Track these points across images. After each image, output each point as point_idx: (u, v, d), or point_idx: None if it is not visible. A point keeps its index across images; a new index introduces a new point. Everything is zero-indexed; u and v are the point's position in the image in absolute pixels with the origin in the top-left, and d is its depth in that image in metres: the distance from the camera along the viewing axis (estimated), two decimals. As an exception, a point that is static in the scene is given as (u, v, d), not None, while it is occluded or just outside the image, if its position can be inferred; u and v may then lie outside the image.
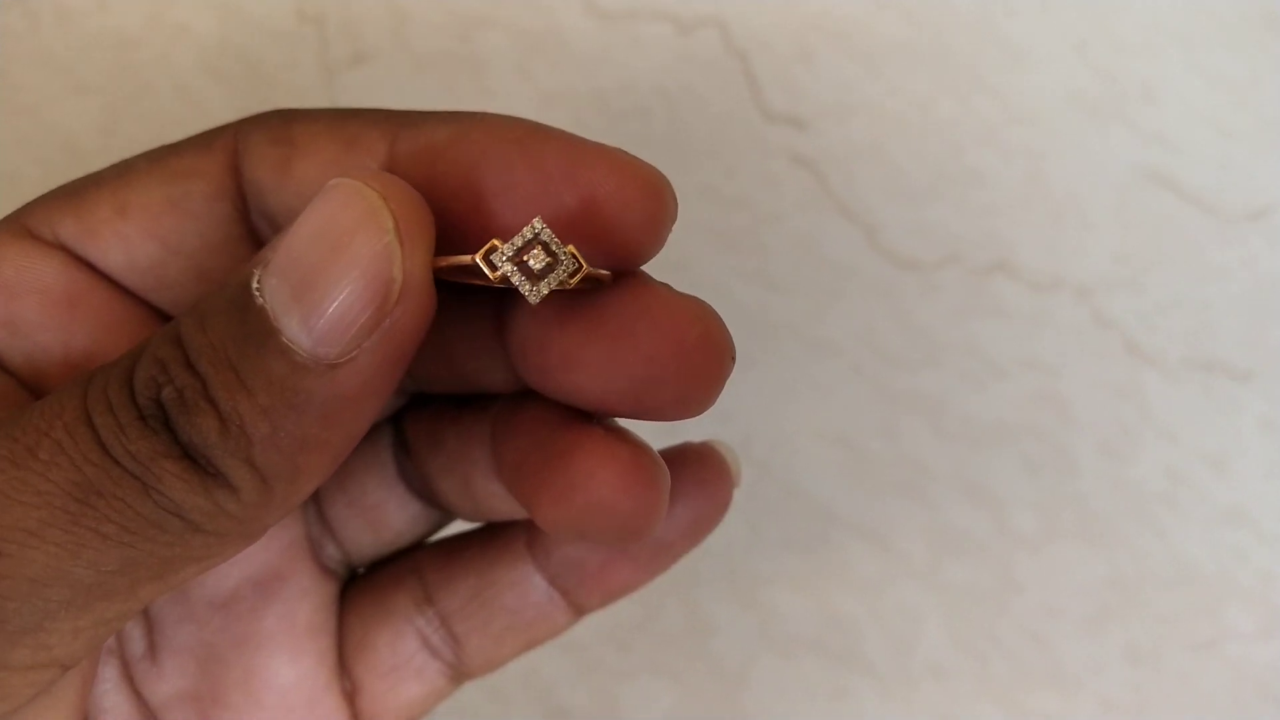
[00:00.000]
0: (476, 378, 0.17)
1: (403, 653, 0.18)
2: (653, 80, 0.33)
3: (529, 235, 0.14)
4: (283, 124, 0.15)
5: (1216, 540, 0.31)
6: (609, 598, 0.18)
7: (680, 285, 0.33)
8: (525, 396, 0.17)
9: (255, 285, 0.13)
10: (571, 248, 0.14)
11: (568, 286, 0.14)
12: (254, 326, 0.13)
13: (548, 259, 0.14)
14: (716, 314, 0.15)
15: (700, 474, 0.18)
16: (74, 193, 0.15)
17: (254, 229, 0.16)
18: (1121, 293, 0.32)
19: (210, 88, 0.32)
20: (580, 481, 0.15)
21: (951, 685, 0.30)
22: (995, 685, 0.30)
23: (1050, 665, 0.30)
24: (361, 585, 0.19)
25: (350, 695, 0.18)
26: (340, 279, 0.12)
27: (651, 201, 0.15)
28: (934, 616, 0.30)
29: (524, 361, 0.16)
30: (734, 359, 0.16)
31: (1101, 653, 0.30)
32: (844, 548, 0.30)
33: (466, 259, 0.14)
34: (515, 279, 0.14)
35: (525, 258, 0.14)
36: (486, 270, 0.13)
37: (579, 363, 0.15)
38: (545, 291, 0.14)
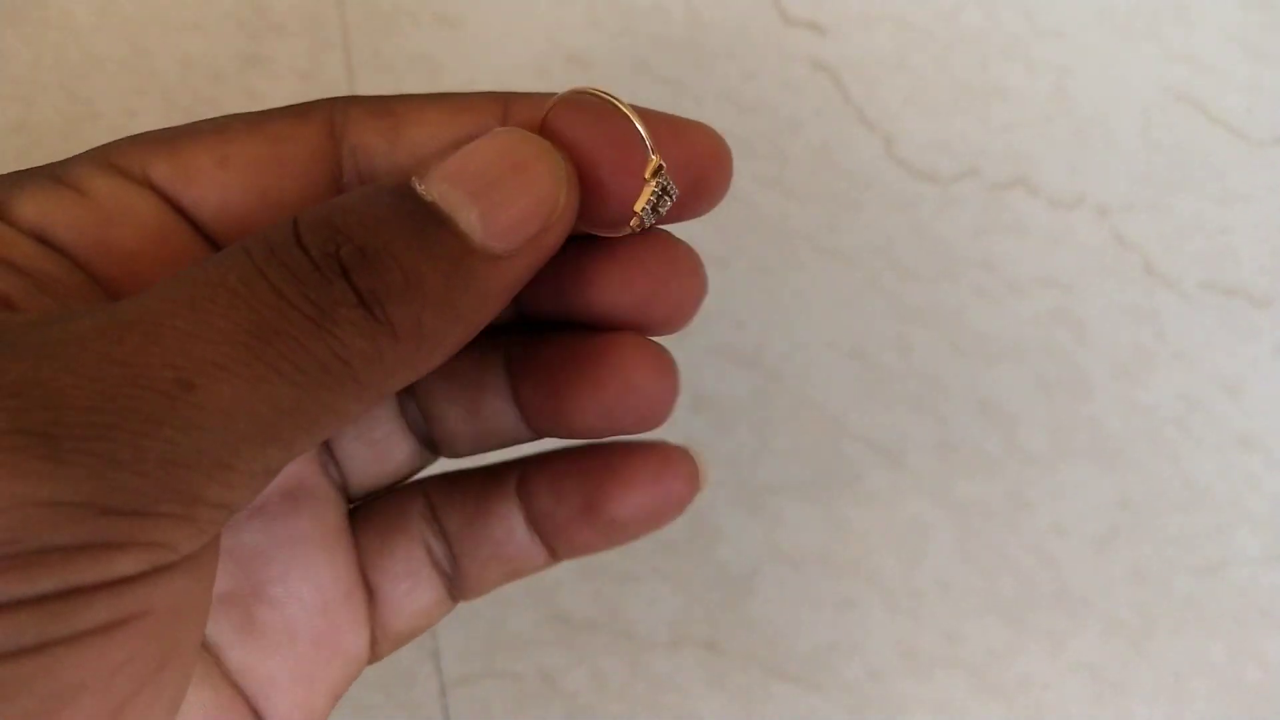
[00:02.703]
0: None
1: (416, 560, 0.20)
2: (671, -22, 0.32)
3: (663, 182, 0.17)
4: (380, 101, 0.17)
5: (1228, 465, 0.30)
6: (575, 552, 0.20)
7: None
8: (542, 326, 0.19)
9: (420, 187, 0.15)
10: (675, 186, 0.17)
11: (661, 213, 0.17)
12: (423, 215, 0.15)
13: (664, 193, 0.17)
14: (697, 254, 0.19)
15: (667, 469, 0.19)
16: (168, 140, 0.16)
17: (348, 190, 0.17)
18: (1143, 213, 0.32)
19: (211, -29, 0.31)
20: (620, 366, 0.18)
21: (958, 600, 0.29)
22: (1001, 601, 0.29)
23: (1057, 584, 0.30)
24: (373, 505, 0.20)
25: (370, 602, 0.20)
26: (522, 193, 0.15)
27: (722, 166, 0.18)
28: (943, 531, 0.29)
29: (544, 295, 0.19)
30: (706, 291, 0.19)
31: (1108, 573, 0.30)
32: (854, 460, 0.30)
33: (656, 158, 0.17)
34: (646, 213, 0.17)
35: (666, 190, 0.17)
36: (652, 180, 0.17)
37: (596, 281, 0.18)
38: (653, 218, 0.17)
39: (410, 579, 0.20)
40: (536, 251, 0.16)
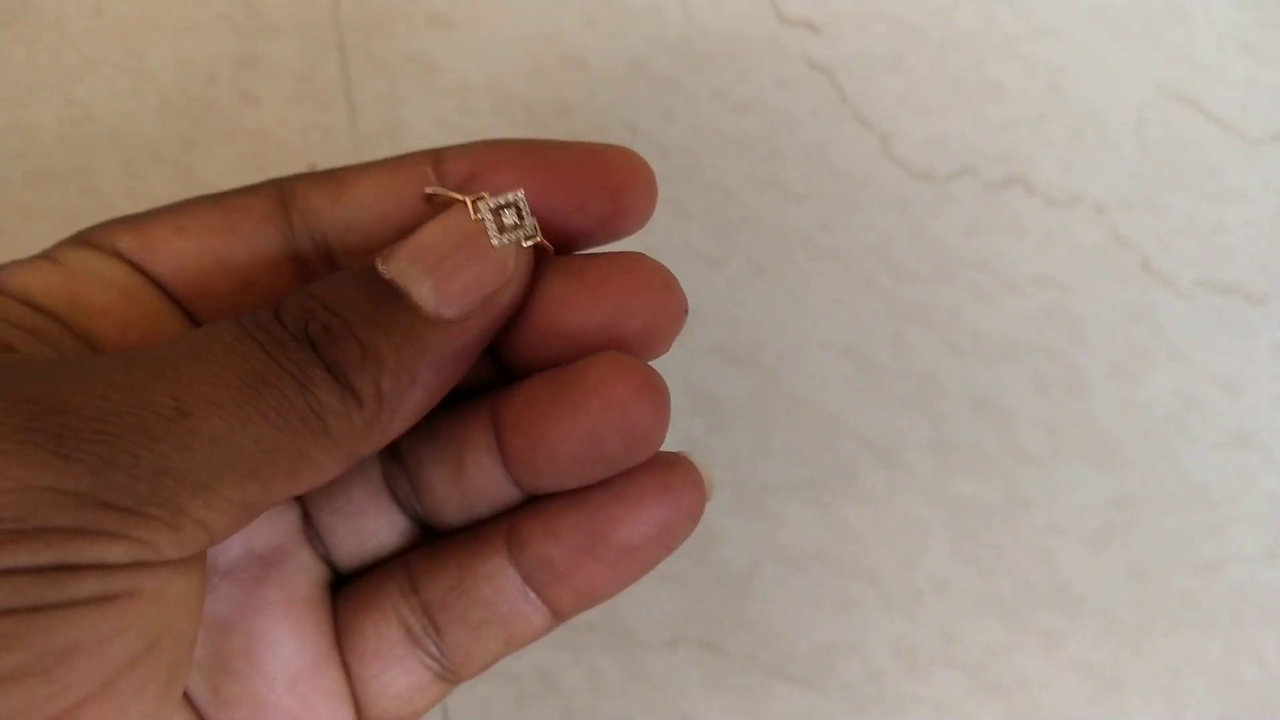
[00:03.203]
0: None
1: (387, 638, 0.19)
2: (666, -22, 0.32)
3: (510, 198, 0.18)
4: (325, 172, 0.19)
5: (1225, 463, 0.30)
6: (580, 600, 0.19)
7: (692, 190, 0.32)
8: (526, 374, 0.19)
9: (382, 267, 0.17)
10: (534, 219, 0.18)
11: (521, 245, 0.18)
12: (383, 292, 0.17)
13: (516, 220, 0.18)
14: (671, 274, 0.19)
15: (668, 480, 0.18)
16: (134, 219, 0.19)
17: (296, 251, 0.19)
18: (1139, 212, 0.32)
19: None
20: (596, 384, 0.17)
21: (955, 599, 0.29)
22: (999, 601, 0.29)
23: (1054, 582, 0.30)
24: (354, 581, 0.20)
25: (348, 680, 0.19)
26: (472, 261, 0.17)
27: (645, 189, 0.19)
28: (940, 531, 0.30)
29: (518, 334, 0.19)
30: (686, 310, 0.19)
31: (1106, 571, 0.30)
32: (851, 459, 0.30)
33: (460, 196, 0.18)
34: (488, 222, 0.17)
35: (501, 213, 0.17)
36: (470, 209, 0.17)
37: (564, 306, 0.18)
38: (505, 240, 0.17)
39: (382, 659, 0.19)
40: (490, 311, 0.17)
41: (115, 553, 0.14)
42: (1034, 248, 0.31)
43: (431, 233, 0.17)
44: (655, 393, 0.18)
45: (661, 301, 0.18)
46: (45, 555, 0.14)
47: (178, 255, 0.18)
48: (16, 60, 0.30)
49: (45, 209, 0.30)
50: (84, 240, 0.18)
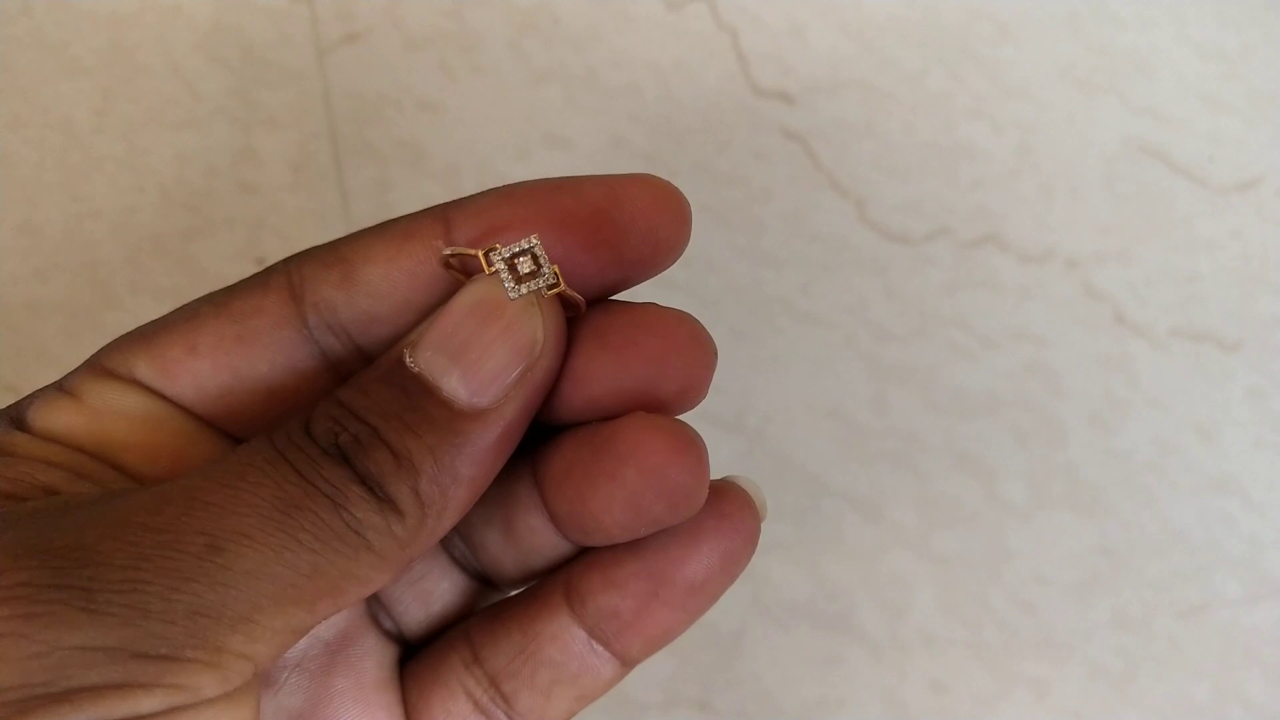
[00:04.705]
0: None
1: (456, 714, 0.19)
2: (644, 56, 0.33)
3: (524, 245, 0.16)
4: (330, 249, 0.18)
5: (1205, 508, 0.31)
6: (650, 644, 0.18)
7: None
8: (562, 428, 0.18)
9: (409, 359, 0.16)
10: (555, 266, 0.17)
11: (543, 295, 0.17)
12: (413, 387, 0.16)
13: (533, 268, 0.16)
14: (695, 318, 0.18)
15: (722, 508, 0.18)
16: (145, 336, 0.18)
17: (321, 347, 0.18)
18: (1111, 264, 0.33)
19: (203, 68, 0.32)
20: (630, 451, 0.17)
21: (943, 652, 0.30)
22: (986, 652, 0.30)
23: (1040, 632, 0.30)
24: (419, 654, 0.20)
25: None
26: (494, 344, 0.16)
27: (673, 216, 0.18)
28: (925, 585, 0.30)
29: (549, 403, 0.18)
30: (716, 354, 0.18)
31: (1091, 620, 0.30)
32: (836, 518, 0.30)
33: (472, 251, 0.17)
34: (503, 275, 0.16)
35: (516, 262, 0.16)
36: (484, 263, 0.16)
37: (592, 377, 0.17)
38: (523, 291, 0.16)
39: None
40: (527, 392, 0.16)
41: (149, 703, 0.14)
42: (1010, 304, 0.32)
43: (453, 314, 0.16)
44: (691, 451, 0.17)
45: (693, 359, 0.17)
46: (75, 717, 0.13)
47: (195, 377, 0.18)
48: (27, 162, 0.32)
49: (54, 303, 0.31)
50: (101, 369, 0.18)
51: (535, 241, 0.17)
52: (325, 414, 0.16)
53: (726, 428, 0.31)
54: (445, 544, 0.20)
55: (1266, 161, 0.33)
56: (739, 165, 0.32)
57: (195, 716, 0.14)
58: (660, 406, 0.17)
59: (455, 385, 0.16)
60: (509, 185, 0.18)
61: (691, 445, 0.17)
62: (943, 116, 0.33)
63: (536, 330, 0.16)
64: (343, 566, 0.15)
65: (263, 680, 0.18)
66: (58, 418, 0.17)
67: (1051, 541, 0.31)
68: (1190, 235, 0.33)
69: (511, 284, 0.16)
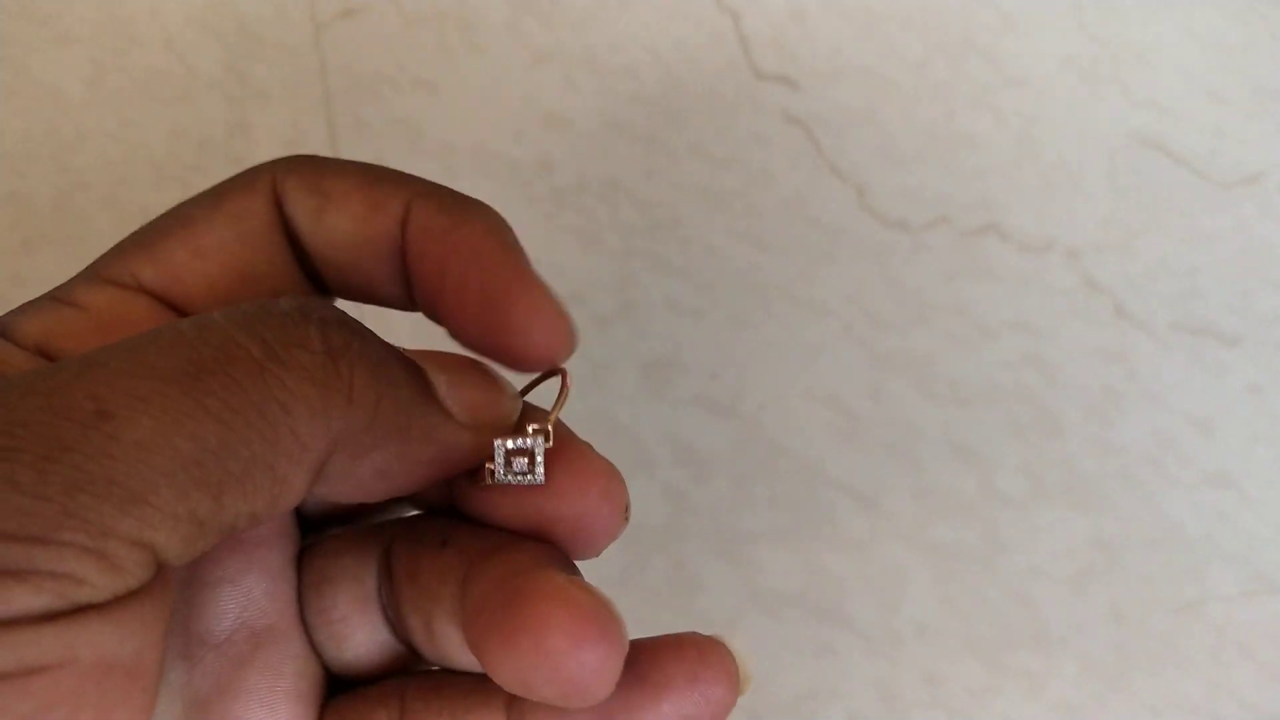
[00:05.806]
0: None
1: None
2: (644, 38, 0.33)
3: (528, 444, 0.17)
4: (315, 174, 0.18)
5: (1201, 503, 0.31)
6: None
7: (672, 244, 0.33)
8: (499, 544, 0.17)
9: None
10: (544, 467, 0.17)
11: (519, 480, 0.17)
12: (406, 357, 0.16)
13: (526, 469, 0.17)
14: (619, 474, 0.18)
15: (699, 670, 0.16)
16: (142, 244, 0.17)
17: (298, 252, 0.18)
18: (1111, 256, 0.32)
19: (197, 41, 0.32)
20: (531, 625, 0.14)
21: (936, 643, 0.30)
22: (979, 643, 0.30)
23: (1034, 625, 0.30)
24: (349, 695, 0.18)
25: None
26: (484, 385, 0.17)
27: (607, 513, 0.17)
28: (920, 575, 0.30)
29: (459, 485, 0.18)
30: (628, 516, 0.17)
31: (1085, 613, 0.30)
32: (831, 506, 0.30)
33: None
34: (498, 458, 0.17)
35: (512, 461, 0.17)
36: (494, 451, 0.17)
37: (506, 517, 0.17)
38: (508, 480, 0.17)
39: None
40: (479, 433, 0.17)
41: (26, 598, 0.12)
42: (1009, 294, 0.32)
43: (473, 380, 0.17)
44: (601, 641, 0.14)
45: (599, 513, 0.17)
46: None
47: (203, 279, 0.17)
48: (14, 132, 0.31)
49: (41, 276, 0.30)
50: (102, 277, 0.17)
51: (540, 442, 0.17)
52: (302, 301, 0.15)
53: (721, 413, 0.30)
54: (382, 602, 0.19)
55: (1269, 156, 0.33)
56: (739, 149, 0.32)
57: (83, 626, 0.12)
58: (566, 547, 0.17)
59: (441, 383, 0.16)
60: (472, 203, 0.18)
61: (604, 634, 0.14)
62: (944, 105, 0.33)
63: (514, 406, 0.17)
64: (257, 449, 0.13)
65: (173, 605, 0.16)
66: (58, 327, 0.16)
67: (1047, 534, 0.30)
68: (1191, 228, 0.33)
69: (502, 471, 0.17)
